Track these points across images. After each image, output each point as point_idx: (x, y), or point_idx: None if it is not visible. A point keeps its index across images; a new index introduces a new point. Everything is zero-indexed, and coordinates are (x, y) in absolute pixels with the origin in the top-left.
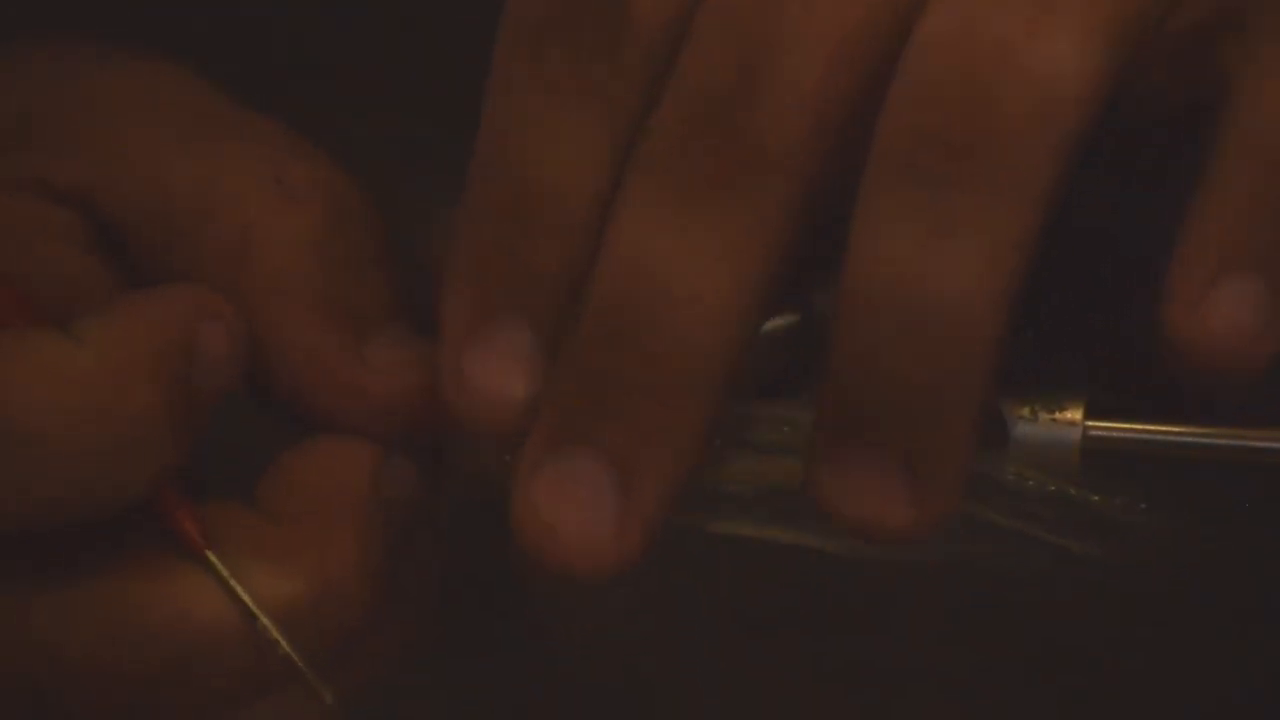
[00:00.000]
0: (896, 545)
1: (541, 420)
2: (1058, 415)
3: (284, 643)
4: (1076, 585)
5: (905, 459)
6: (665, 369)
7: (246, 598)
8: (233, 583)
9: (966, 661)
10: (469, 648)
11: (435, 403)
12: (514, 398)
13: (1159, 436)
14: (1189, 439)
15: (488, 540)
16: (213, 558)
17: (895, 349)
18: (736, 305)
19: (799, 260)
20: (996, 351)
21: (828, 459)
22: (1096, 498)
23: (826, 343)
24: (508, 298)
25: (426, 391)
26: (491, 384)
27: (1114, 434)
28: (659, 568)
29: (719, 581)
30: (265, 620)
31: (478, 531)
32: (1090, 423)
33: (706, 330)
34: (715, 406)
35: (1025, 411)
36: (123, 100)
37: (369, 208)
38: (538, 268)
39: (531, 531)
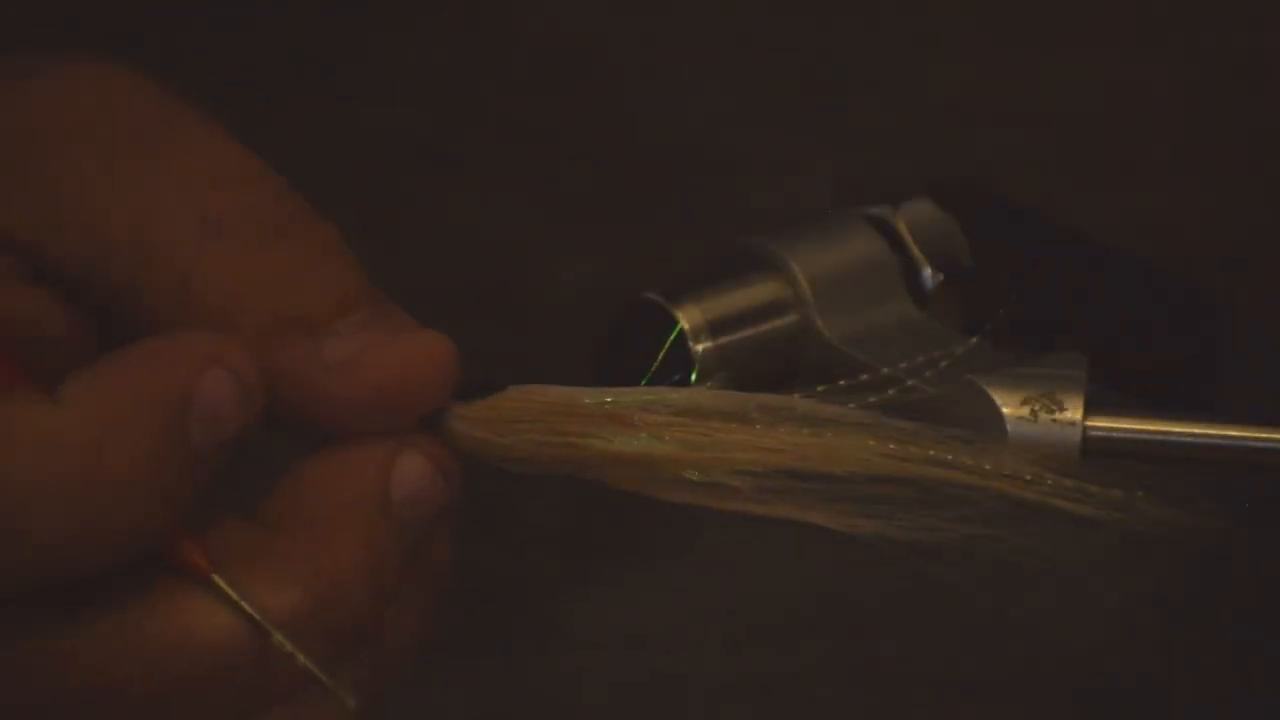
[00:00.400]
0: None
1: None
2: (1058, 415)
3: (300, 655)
4: (1076, 585)
5: None
6: None
7: (256, 615)
8: (241, 603)
9: (967, 661)
10: (471, 646)
11: (406, 382)
12: None
13: (1159, 436)
14: (1189, 439)
15: (490, 537)
16: (219, 580)
17: None
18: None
19: None
20: None
21: None
22: (1095, 497)
23: (824, 344)
24: None
25: (391, 375)
26: None
27: (1114, 434)
28: (664, 567)
29: (725, 581)
30: (279, 636)
31: (481, 527)
32: (1090, 423)
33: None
34: None
35: (1025, 411)
36: (57, 131)
37: (304, 206)
38: None
39: None
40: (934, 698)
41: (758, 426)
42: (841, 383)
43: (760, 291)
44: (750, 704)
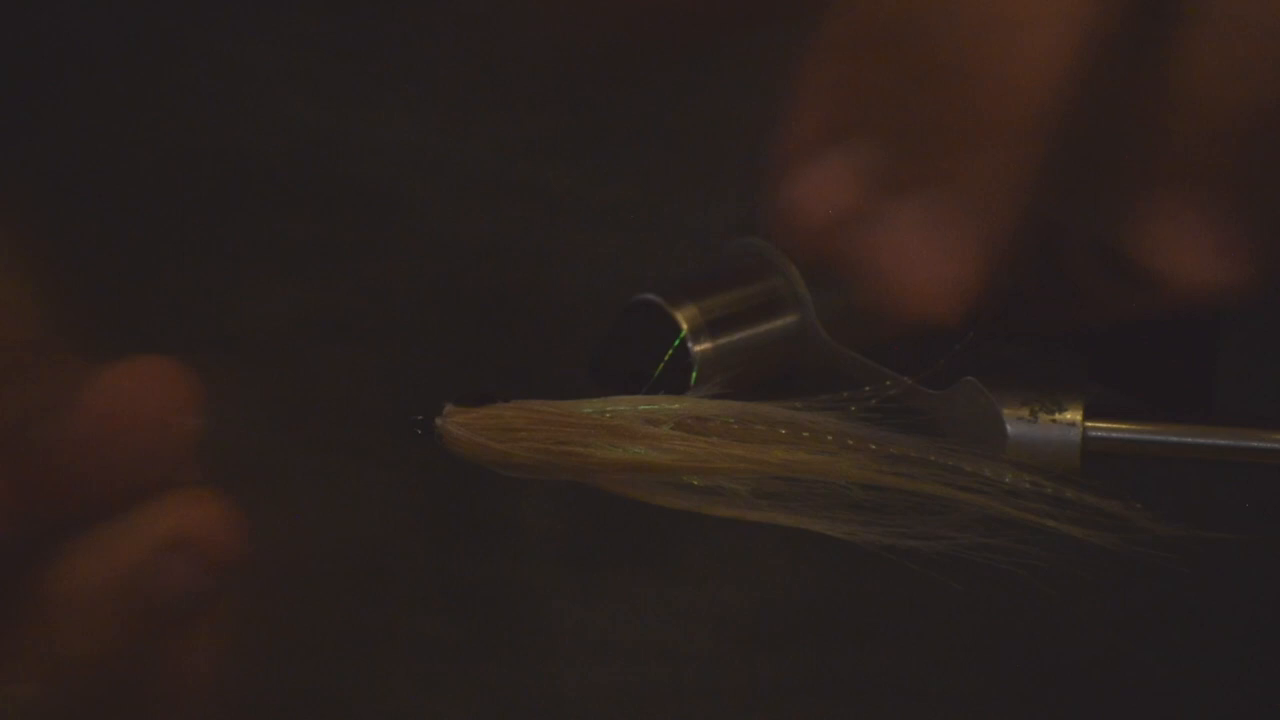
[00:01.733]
0: (1209, 303)
1: (880, 165)
2: (1058, 415)
3: None
4: (1075, 586)
5: (1235, 207)
6: (1006, 104)
7: None
8: None
9: (971, 662)
10: (472, 651)
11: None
12: (830, 213)
13: (1159, 436)
14: (1189, 439)
15: (487, 539)
16: None
17: (1254, 72)
18: (1072, 44)
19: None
20: None
21: (1161, 212)
22: (1095, 498)
23: (824, 344)
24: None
25: (109, 406)
26: (810, 202)
27: (1114, 434)
28: (660, 576)
29: (723, 590)
30: None
31: (478, 529)
32: (1090, 423)
33: (1042, 65)
34: (1046, 145)
35: (1025, 412)
36: None
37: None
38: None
39: (881, 282)
40: (925, 707)
41: (758, 427)
42: (845, 393)
43: (760, 291)
44: (746, 712)
